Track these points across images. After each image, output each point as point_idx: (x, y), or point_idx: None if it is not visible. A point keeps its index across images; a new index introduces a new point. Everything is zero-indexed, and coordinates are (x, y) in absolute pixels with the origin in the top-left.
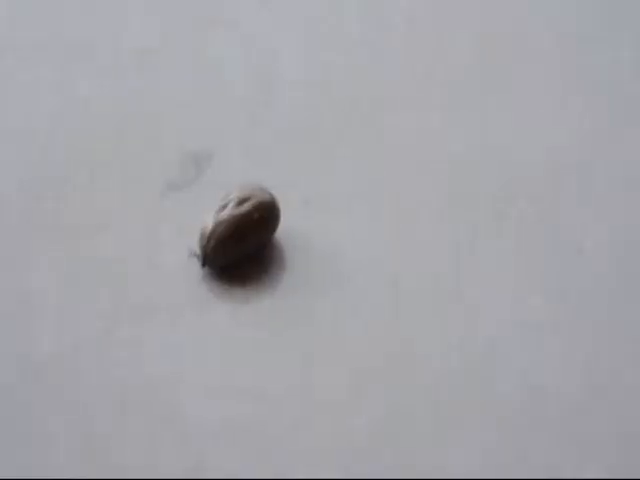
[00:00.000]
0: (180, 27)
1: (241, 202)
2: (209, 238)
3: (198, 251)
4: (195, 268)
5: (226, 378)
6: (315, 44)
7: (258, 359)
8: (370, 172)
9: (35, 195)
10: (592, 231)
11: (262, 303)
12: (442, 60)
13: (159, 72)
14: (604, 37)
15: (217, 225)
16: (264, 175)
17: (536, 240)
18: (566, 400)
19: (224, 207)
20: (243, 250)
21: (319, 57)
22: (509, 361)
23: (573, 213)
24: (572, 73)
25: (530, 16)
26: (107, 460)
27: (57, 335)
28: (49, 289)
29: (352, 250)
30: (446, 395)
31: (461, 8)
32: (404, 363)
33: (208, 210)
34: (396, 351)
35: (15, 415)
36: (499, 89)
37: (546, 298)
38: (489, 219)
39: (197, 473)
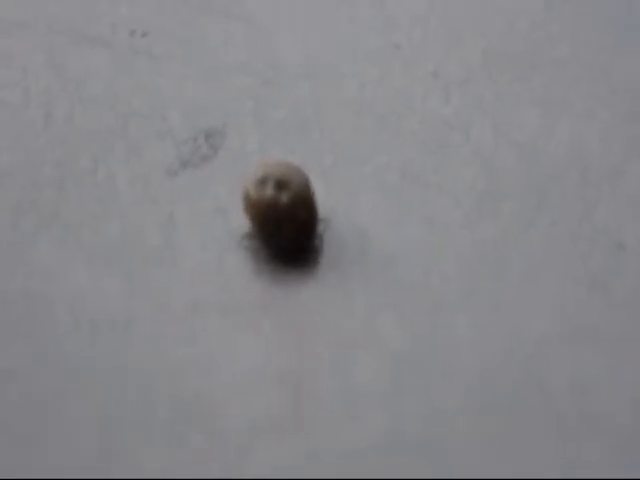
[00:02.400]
0: (173, 11)
1: (281, 186)
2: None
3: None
4: (218, 252)
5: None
6: (319, 23)
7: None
8: (389, 151)
9: (33, 182)
10: (632, 227)
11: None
12: (456, 55)
13: (153, 51)
14: (624, 43)
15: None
16: (278, 153)
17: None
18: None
19: (268, 193)
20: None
21: (323, 36)
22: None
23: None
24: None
25: None
26: None
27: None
28: (52, 285)
29: (381, 235)
30: (490, 395)
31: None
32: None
33: (233, 189)
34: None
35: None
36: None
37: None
38: (522, 214)
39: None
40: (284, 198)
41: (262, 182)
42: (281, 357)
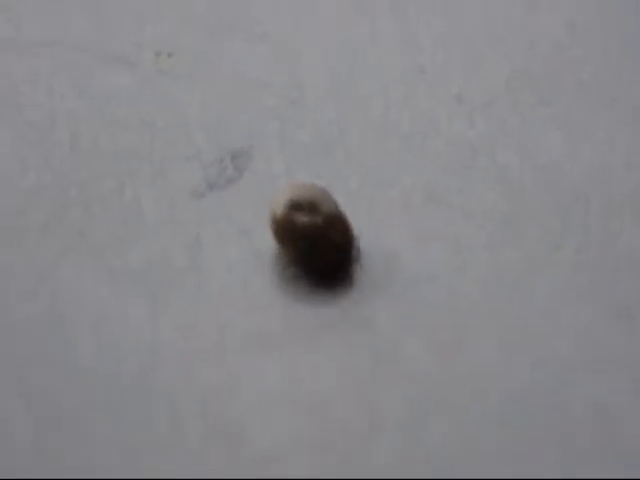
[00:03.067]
0: (198, 31)
1: (313, 209)
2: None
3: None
4: (244, 274)
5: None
6: (344, 43)
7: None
8: (414, 173)
9: (60, 203)
10: None
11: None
12: (479, 78)
13: (179, 71)
14: None
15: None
16: (304, 175)
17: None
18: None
19: (301, 216)
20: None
21: (348, 56)
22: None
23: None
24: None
25: None
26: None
27: (97, 349)
28: (77, 305)
29: (407, 257)
30: (513, 418)
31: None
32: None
33: (259, 211)
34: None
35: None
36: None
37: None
38: (547, 239)
39: None
40: (319, 220)
41: (293, 205)
42: (306, 378)
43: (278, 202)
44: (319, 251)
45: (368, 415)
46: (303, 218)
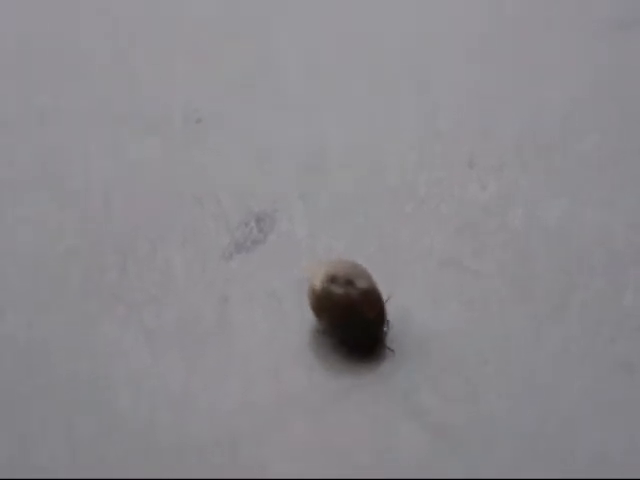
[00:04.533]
0: (225, 96)
1: (348, 283)
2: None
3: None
4: (271, 330)
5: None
6: (361, 109)
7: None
8: (430, 237)
9: (97, 266)
10: None
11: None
12: (490, 145)
13: (207, 137)
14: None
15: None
16: (325, 239)
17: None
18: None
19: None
20: None
21: (366, 122)
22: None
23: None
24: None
25: None
26: None
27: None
28: (114, 364)
29: (420, 317)
30: (520, 464)
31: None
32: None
33: (284, 273)
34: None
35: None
36: None
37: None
38: (553, 298)
39: None
40: (354, 294)
41: (331, 279)
42: (329, 431)
43: (317, 276)
44: (352, 324)
45: (385, 463)
46: (339, 290)
